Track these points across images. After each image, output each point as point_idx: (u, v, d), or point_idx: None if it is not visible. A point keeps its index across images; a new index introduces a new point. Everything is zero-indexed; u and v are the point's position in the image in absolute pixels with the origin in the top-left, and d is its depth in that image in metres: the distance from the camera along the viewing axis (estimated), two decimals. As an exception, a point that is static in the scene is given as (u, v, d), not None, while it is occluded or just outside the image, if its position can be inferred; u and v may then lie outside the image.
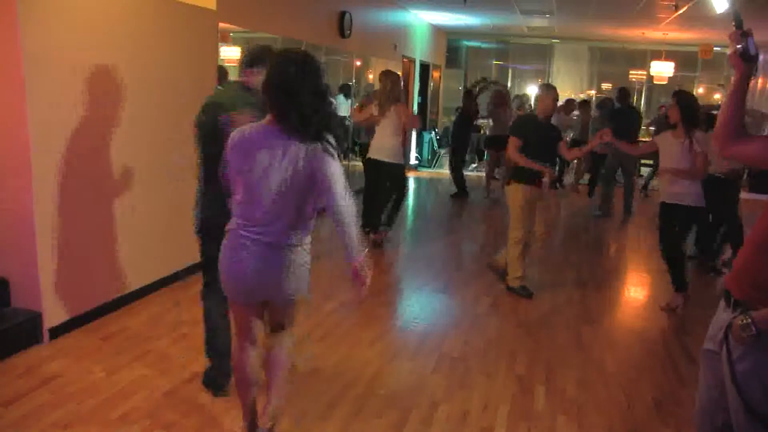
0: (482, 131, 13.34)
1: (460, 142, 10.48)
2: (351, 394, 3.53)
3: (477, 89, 13.67)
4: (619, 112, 9.43)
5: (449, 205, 9.71)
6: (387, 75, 6.54)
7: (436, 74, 14.93)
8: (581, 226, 8.71)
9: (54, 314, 3.97)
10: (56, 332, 3.98)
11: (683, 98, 5.15)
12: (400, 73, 10.68)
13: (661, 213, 5.24)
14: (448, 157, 10.70)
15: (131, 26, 4.41)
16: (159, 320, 4.38)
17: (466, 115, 10.57)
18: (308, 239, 2.69)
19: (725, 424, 2.18)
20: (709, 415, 2.29)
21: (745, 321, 2.00)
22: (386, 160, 6.55)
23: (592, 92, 16.83)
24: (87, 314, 4.22)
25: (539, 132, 5.26)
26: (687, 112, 5.01)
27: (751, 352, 2.01)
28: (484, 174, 10.93)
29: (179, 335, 4.14)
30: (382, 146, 6.55)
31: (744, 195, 11.45)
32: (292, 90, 2.42)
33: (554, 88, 5.39)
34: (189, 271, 5.21)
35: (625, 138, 6.25)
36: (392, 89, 6.44)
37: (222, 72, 7.24)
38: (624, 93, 9.63)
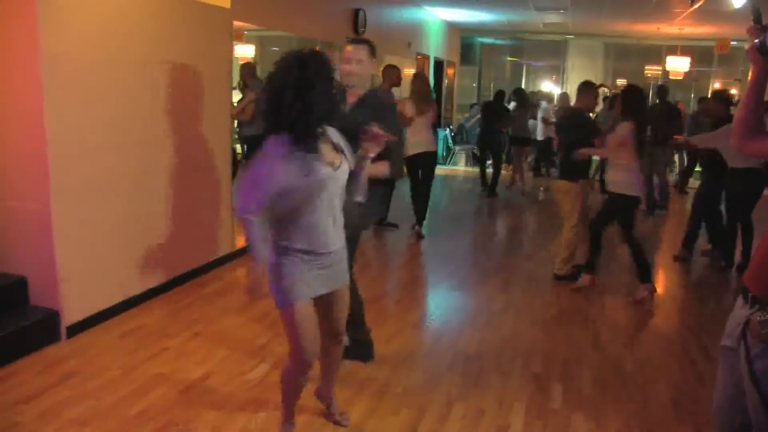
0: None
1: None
2: (367, 391, 3.53)
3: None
4: (661, 112, 8.97)
5: (464, 201, 9.70)
6: (417, 77, 7.32)
7: (450, 71, 14.89)
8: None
9: (72, 312, 4.00)
10: (74, 330, 4.02)
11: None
12: (414, 70, 10.67)
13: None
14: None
15: (147, 25, 4.43)
16: (175, 318, 4.41)
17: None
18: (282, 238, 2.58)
19: (744, 423, 2.15)
20: (727, 414, 2.26)
21: (763, 317, 1.97)
22: (423, 150, 7.01)
23: (607, 89, 16.72)
24: (104, 312, 4.26)
25: (588, 127, 5.58)
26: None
27: None
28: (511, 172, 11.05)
29: (194, 333, 4.17)
30: (420, 141, 6.95)
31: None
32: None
33: (594, 85, 5.80)
34: (204, 269, 5.25)
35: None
36: (422, 89, 7.14)
37: (250, 69, 7.27)
38: (664, 91, 9.31)
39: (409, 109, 6.87)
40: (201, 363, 3.75)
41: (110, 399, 3.30)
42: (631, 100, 5.22)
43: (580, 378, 3.84)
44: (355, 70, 3.35)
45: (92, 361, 3.72)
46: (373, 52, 3.44)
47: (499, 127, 10.23)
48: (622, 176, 5.19)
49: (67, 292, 3.95)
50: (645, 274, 5.27)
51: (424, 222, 7.29)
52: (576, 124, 5.69)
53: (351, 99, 3.32)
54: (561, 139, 6.01)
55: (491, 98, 11.00)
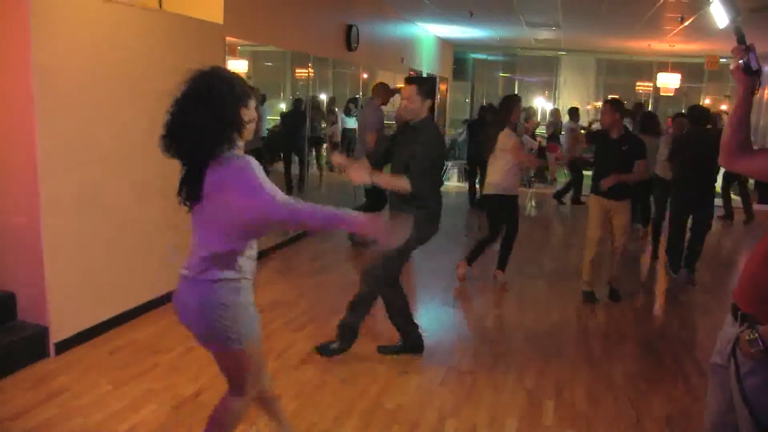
0: None
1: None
2: (359, 407, 3.51)
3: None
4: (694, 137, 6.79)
5: (457, 216, 9.69)
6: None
7: (443, 87, 14.97)
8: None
9: (61, 328, 3.97)
10: (63, 346, 3.98)
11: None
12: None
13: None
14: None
15: (140, 40, 4.44)
16: (166, 334, 4.37)
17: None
18: (231, 274, 2.33)
19: (735, 440, 2.15)
20: (718, 430, 2.26)
21: (752, 336, 1.97)
22: None
23: (599, 104, 16.84)
24: (94, 328, 4.22)
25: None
26: None
27: (760, 367, 1.98)
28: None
29: (186, 349, 4.13)
30: None
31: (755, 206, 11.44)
32: None
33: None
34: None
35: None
36: None
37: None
38: (697, 113, 6.92)
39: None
40: (193, 379, 3.72)
41: (99, 416, 3.26)
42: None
43: (573, 394, 3.83)
44: (409, 106, 4.02)
45: (81, 378, 3.68)
46: (420, 90, 4.04)
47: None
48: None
49: (56, 307, 3.91)
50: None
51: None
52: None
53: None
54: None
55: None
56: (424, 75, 13.05)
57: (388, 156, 4.16)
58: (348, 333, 4.13)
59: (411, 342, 4.27)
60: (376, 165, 4.12)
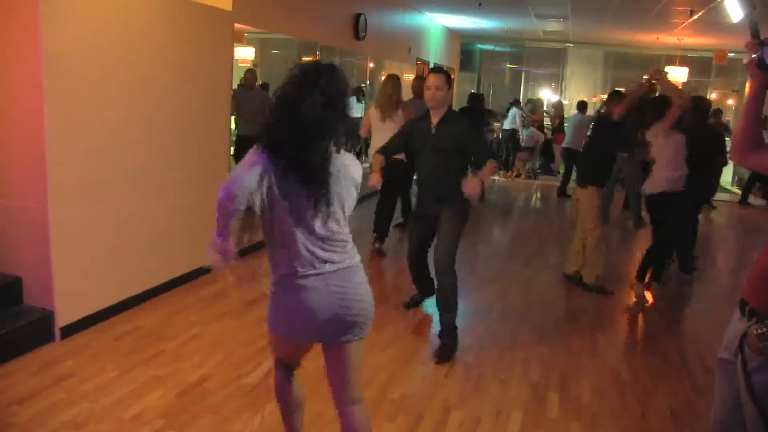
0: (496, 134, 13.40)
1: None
2: (364, 397, 3.48)
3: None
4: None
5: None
6: (389, 79, 6.49)
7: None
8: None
9: (67, 313, 3.97)
10: (68, 331, 3.98)
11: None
12: (414, 75, 10.67)
13: None
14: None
15: (149, 27, 4.42)
16: (172, 320, 4.38)
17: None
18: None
19: (742, 436, 2.14)
20: (725, 427, 2.25)
21: (760, 331, 1.97)
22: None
23: (604, 97, 16.78)
24: (99, 313, 4.22)
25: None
26: None
27: None
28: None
29: (191, 336, 4.14)
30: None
31: (758, 201, 11.42)
32: None
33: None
34: (202, 271, 5.22)
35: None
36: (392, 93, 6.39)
37: (253, 75, 7.27)
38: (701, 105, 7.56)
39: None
40: (198, 366, 3.72)
41: (105, 401, 3.27)
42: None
43: (578, 387, 3.82)
44: (438, 95, 4.05)
45: (87, 363, 3.68)
46: (447, 79, 4.10)
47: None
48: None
49: (62, 292, 3.92)
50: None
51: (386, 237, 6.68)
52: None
53: (434, 119, 4.13)
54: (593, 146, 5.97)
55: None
56: (431, 65, 13.01)
57: (405, 147, 4.30)
58: (452, 331, 4.20)
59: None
60: (391, 154, 4.26)
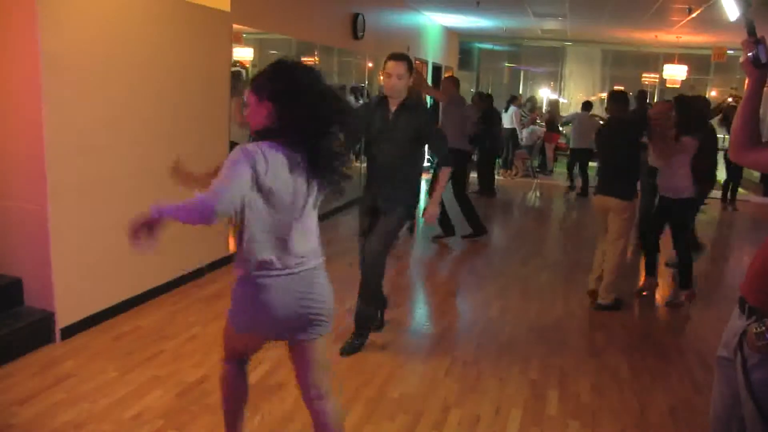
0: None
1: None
2: (363, 396, 3.52)
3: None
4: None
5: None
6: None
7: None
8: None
9: (67, 314, 3.98)
10: (69, 332, 3.99)
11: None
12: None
13: None
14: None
15: (147, 27, 4.42)
16: (171, 321, 4.39)
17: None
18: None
19: (741, 433, 2.15)
20: (724, 424, 2.25)
21: (759, 329, 1.97)
22: None
23: (603, 95, 16.79)
24: (99, 314, 4.23)
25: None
26: None
27: (767, 360, 1.98)
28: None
29: (191, 336, 4.15)
30: None
31: (757, 199, 11.45)
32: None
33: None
34: (201, 272, 5.23)
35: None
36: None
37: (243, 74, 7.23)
38: (643, 96, 8.77)
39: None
40: (197, 366, 3.73)
41: (105, 402, 3.28)
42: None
43: (577, 385, 3.83)
44: (399, 85, 3.79)
45: (87, 364, 3.69)
46: (409, 66, 3.83)
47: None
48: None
49: (62, 293, 3.93)
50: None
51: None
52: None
53: (392, 107, 3.87)
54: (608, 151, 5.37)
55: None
56: (430, 65, 13.00)
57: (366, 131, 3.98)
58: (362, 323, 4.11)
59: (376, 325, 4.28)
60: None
